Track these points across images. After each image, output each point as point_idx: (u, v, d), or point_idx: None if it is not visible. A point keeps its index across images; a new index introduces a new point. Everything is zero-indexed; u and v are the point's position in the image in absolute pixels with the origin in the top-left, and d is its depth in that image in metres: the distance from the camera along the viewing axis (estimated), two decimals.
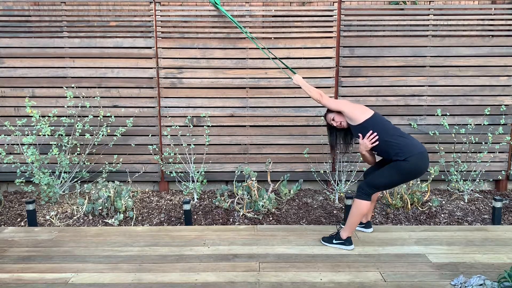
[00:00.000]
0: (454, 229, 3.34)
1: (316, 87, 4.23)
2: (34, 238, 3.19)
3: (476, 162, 4.35)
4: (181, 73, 4.30)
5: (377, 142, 2.86)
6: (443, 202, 4.14)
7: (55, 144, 4.18)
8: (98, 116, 4.30)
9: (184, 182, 4.36)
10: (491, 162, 4.40)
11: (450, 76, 4.31)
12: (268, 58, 4.19)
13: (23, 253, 2.92)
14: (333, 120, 3.07)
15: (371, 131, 2.87)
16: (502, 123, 4.30)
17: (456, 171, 4.29)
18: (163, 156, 4.39)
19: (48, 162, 4.10)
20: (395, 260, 2.78)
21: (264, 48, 4.16)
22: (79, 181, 4.32)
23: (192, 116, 4.36)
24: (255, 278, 2.54)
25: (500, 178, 4.47)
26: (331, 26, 4.23)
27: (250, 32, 4.21)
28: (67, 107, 4.28)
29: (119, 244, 3.07)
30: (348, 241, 2.97)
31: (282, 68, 4.18)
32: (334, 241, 3.00)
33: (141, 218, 3.77)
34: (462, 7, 4.25)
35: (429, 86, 4.32)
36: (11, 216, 3.84)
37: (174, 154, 4.38)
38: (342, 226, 3.36)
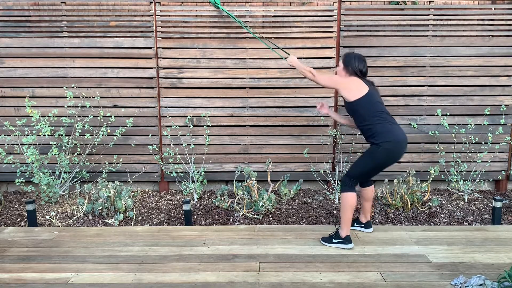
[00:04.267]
0: (454, 229, 3.34)
1: (317, 87, 4.25)
2: (34, 238, 3.19)
3: (476, 162, 4.35)
4: (181, 73, 4.30)
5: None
6: (443, 202, 4.15)
7: (55, 144, 4.18)
8: (98, 116, 4.30)
9: (184, 182, 4.36)
10: (491, 162, 4.40)
11: (450, 76, 4.31)
12: (268, 52, 4.19)
13: (23, 253, 2.92)
14: None
15: (321, 103, 3.41)
16: (502, 123, 4.30)
17: (456, 171, 4.29)
18: (163, 156, 4.39)
19: (48, 162, 4.10)
20: (395, 260, 2.78)
21: (263, 39, 4.11)
22: (79, 181, 4.32)
23: (192, 116, 4.36)
24: (255, 278, 2.54)
25: (500, 178, 4.47)
26: (331, 26, 4.23)
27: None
28: (67, 107, 4.28)
29: (119, 244, 3.07)
30: (347, 240, 2.98)
31: (273, 49, 4.10)
32: (334, 241, 3.01)
33: (141, 218, 3.77)
34: (462, 7, 4.25)
35: (429, 86, 4.32)
36: (11, 216, 3.84)
37: (174, 154, 4.38)
38: None
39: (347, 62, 3.05)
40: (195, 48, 4.27)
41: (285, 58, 3.68)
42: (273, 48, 4.14)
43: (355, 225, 3.30)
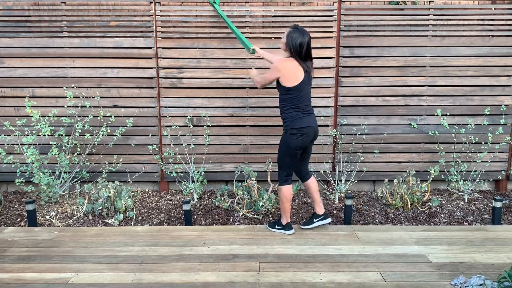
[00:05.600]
0: (454, 229, 3.35)
1: (316, 87, 4.25)
2: (34, 238, 3.19)
3: (476, 162, 4.35)
4: (181, 73, 4.30)
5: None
6: (443, 202, 4.15)
7: (55, 144, 4.18)
8: (98, 116, 4.30)
9: (184, 182, 4.36)
10: (491, 162, 4.40)
11: (450, 76, 4.31)
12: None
13: (23, 253, 2.92)
14: None
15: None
16: (502, 123, 4.30)
17: (456, 171, 4.29)
18: (163, 156, 4.39)
19: (48, 162, 4.10)
20: (395, 260, 2.78)
21: (249, 49, 4.09)
22: (79, 181, 4.32)
23: (192, 116, 4.36)
24: (255, 278, 2.55)
25: (500, 178, 4.47)
26: (331, 26, 4.23)
27: (250, 32, 4.21)
28: (67, 107, 4.28)
29: (119, 244, 3.07)
30: (287, 227, 3.28)
31: (242, 43, 3.94)
32: (276, 227, 3.29)
33: (141, 218, 3.77)
34: (462, 7, 4.25)
35: (429, 86, 4.32)
36: (11, 216, 3.84)
37: (174, 154, 4.38)
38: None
39: (289, 40, 3.07)
40: (195, 48, 4.27)
41: (251, 52, 3.71)
42: (242, 43, 3.97)
43: (314, 220, 3.35)
